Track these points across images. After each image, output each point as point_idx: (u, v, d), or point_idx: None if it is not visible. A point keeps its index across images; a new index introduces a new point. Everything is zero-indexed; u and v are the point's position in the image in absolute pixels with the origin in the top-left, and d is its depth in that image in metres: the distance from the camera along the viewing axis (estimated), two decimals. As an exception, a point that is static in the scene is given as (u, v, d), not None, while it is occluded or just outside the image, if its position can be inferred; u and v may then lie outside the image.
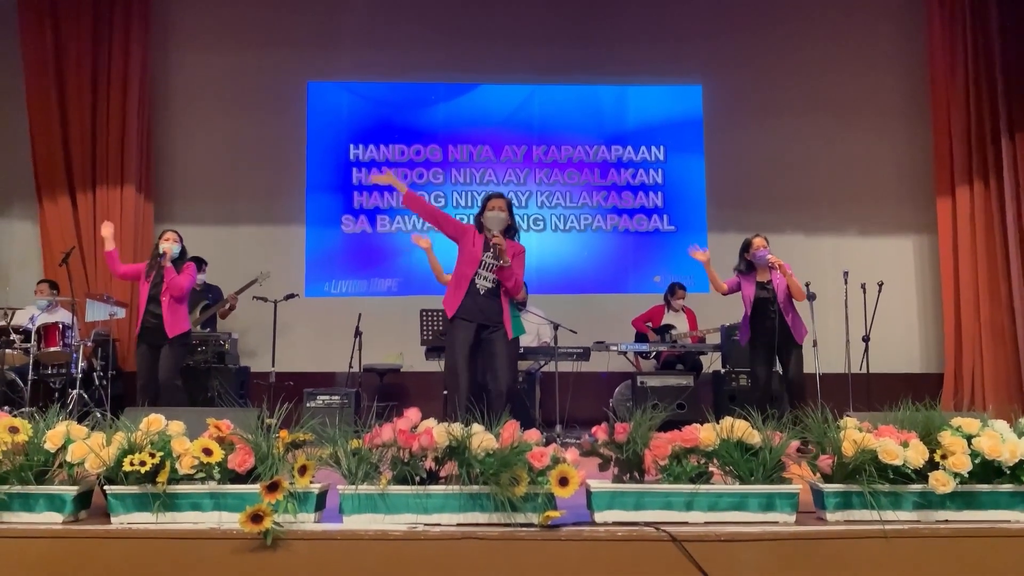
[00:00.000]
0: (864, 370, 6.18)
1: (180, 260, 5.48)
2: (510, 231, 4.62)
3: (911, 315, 8.06)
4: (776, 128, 8.17)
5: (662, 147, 8.44)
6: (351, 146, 8.33)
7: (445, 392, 4.87)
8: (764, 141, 8.17)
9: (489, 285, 4.51)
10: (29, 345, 6.01)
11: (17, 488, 2.35)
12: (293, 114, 8.22)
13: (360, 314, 7.03)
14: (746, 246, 5.45)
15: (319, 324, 7.75)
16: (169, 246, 5.41)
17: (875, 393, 5.47)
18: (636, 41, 8.27)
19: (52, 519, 2.35)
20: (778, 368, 5.40)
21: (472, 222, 4.74)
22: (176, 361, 5.41)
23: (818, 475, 2.46)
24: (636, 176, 8.40)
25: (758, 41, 8.23)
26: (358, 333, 6.93)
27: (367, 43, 8.20)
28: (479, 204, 4.84)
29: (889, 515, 2.31)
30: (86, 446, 2.36)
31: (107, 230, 5.51)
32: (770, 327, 5.24)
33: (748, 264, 5.42)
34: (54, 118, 7.54)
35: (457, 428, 2.36)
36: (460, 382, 4.36)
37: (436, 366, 6.58)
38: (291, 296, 7.09)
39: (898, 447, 2.33)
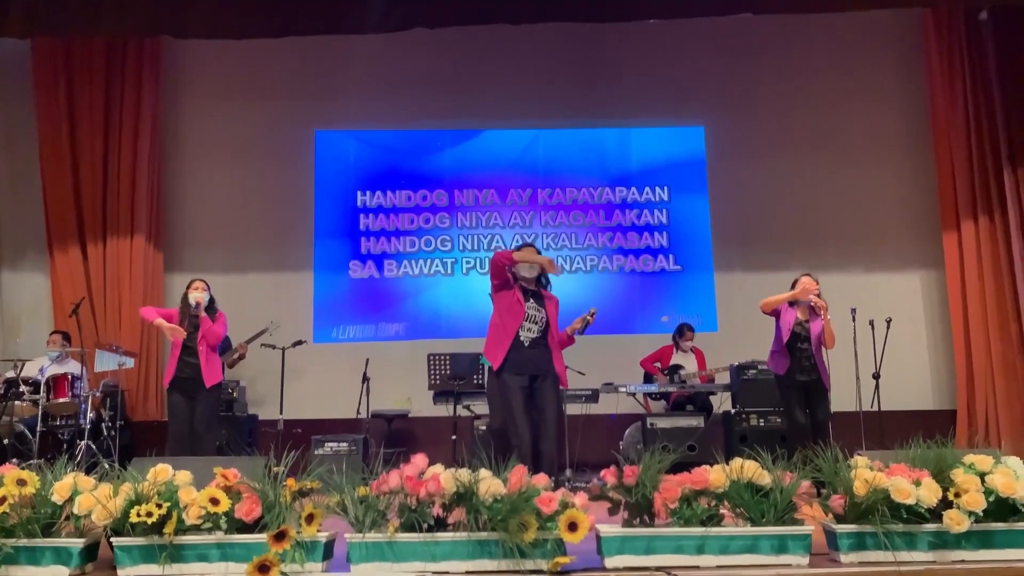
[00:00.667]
0: (876, 408, 6.13)
1: (211, 308, 5.49)
2: (541, 280, 4.67)
3: (921, 352, 8.00)
4: (779, 166, 8.23)
5: (666, 187, 8.50)
6: (358, 192, 8.41)
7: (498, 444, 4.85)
8: (767, 179, 8.22)
9: (534, 336, 4.55)
10: (38, 396, 6.02)
11: (24, 541, 2.34)
12: (301, 162, 8.33)
13: (368, 359, 7.04)
14: (794, 283, 5.41)
15: (327, 370, 7.75)
16: (200, 295, 5.43)
17: (888, 431, 5.41)
18: (638, 84, 8.38)
19: (58, 572, 2.33)
20: None
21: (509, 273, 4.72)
22: (215, 410, 5.47)
23: (830, 515, 2.43)
24: (641, 217, 8.45)
25: (758, 81, 8.34)
26: (366, 379, 6.92)
27: (373, 92, 8.34)
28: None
29: (904, 555, 2.28)
30: (93, 498, 2.36)
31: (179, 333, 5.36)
32: (805, 367, 5.19)
33: (794, 300, 5.37)
34: (66, 169, 7.65)
35: (464, 474, 2.35)
36: (524, 439, 4.33)
37: (444, 411, 6.55)
38: (299, 343, 7.10)
39: (910, 486, 2.31)
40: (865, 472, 2.38)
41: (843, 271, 7.99)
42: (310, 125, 8.37)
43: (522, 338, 4.51)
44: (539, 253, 4.74)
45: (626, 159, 8.56)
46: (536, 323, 4.54)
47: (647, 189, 8.49)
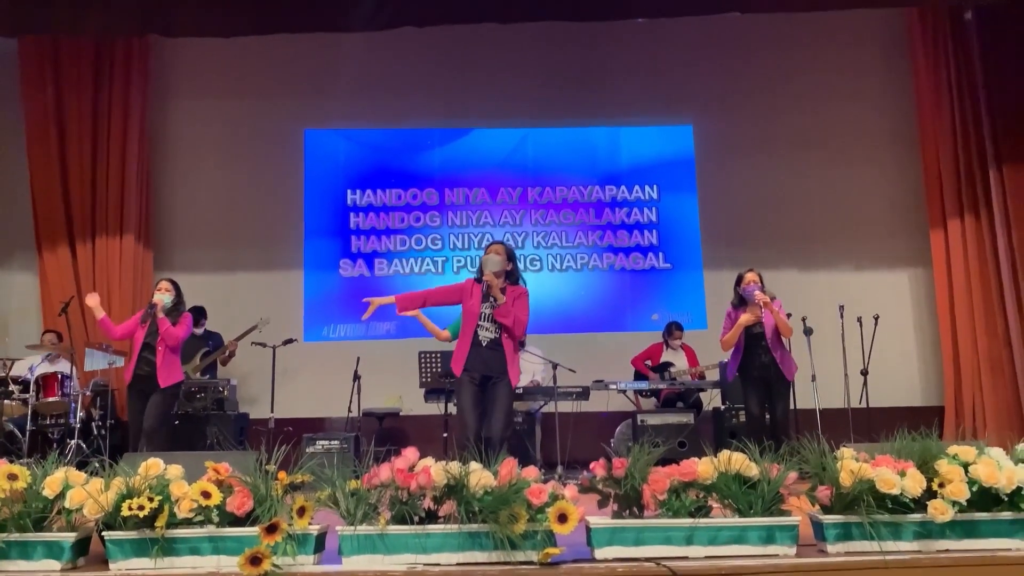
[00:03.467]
0: (864, 404, 6.18)
1: (175, 309, 5.47)
2: (511, 276, 4.68)
3: (909, 348, 8.07)
4: (767, 165, 8.28)
5: (656, 186, 8.54)
6: (348, 191, 8.42)
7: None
8: (756, 178, 8.27)
9: (491, 336, 4.56)
10: (27, 395, 6.00)
11: (15, 536, 2.34)
12: (291, 161, 8.32)
13: (359, 358, 7.04)
14: (738, 280, 5.49)
15: (318, 369, 7.75)
16: (161, 296, 5.41)
17: (876, 426, 5.46)
18: (627, 83, 8.42)
19: (50, 567, 2.33)
20: None
21: (474, 277, 4.78)
22: (164, 410, 5.41)
23: (817, 507, 2.46)
24: (631, 215, 8.49)
25: (746, 80, 8.39)
26: (357, 377, 6.92)
27: (362, 91, 8.34)
28: (475, 246, 4.91)
29: (889, 545, 2.31)
30: (84, 491, 2.36)
31: (92, 300, 5.49)
32: (762, 363, 5.26)
33: (740, 298, 5.45)
34: (54, 169, 7.62)
35: (455, 466, 2.37)
36: (468, 434, 4.40)
37: (435, 409, 6.57)
38: (290, 341, 7.10)
39: (895, 476, 2.34)
40: (851, 463, 2.41)
41: (832, 268, 8.06)
42: (300, 124, 8.37)
43: (480, 338, 4.55)
44: (506, 249, 4.74)
45: (616, 158, 8.60)
46: (493, 322, 4.57)
47: (637, 188, 8.53)
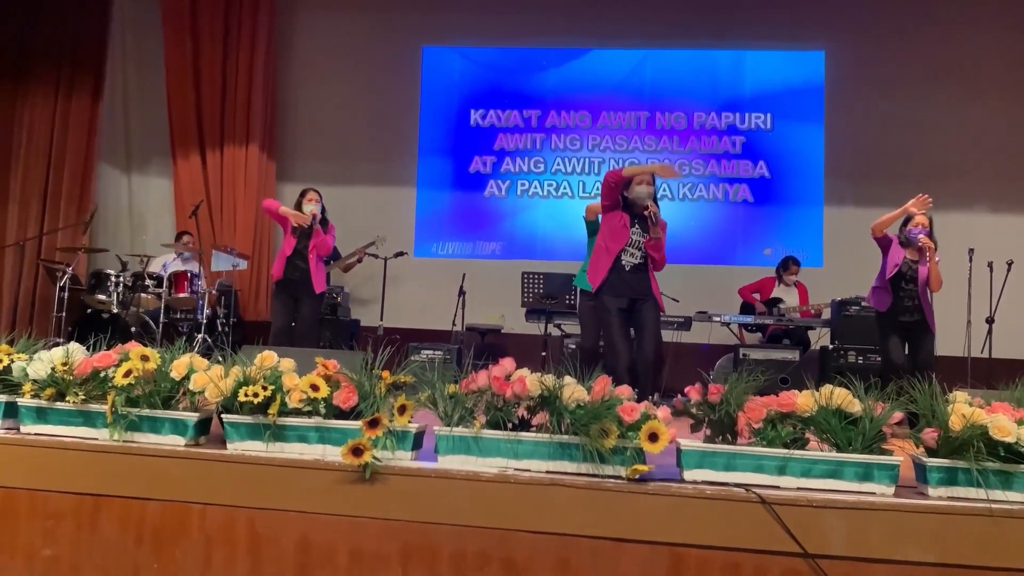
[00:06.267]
0: (986, 354, 5.84)
1: (322, 220, 5.65)
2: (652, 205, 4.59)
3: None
4: (902, 96, 7.72)
5: (779, 115, 8.13)
6: (471, 111, 8.43)
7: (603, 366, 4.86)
8: (888, 110, 7.74)
9: (636, 261, 4.50)
10: (161, 290, 6.46)
11: (146, 411, 2.56)
12: (408, 78, 8.39)
13: (464, 275, 7.18)
14: (907, 220, 5.13)
15: (426, 283, 7.96)
16: (315, 207, 5.58)
17: (997, 377, 5.16)
18: (756, 4, 7.96)
19: (176, 441, 2.55)
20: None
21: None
22: (318, 315, 5.77)
23: (921, 449, 2.37)
24: (749, 144, 8.15)
25: (886, 4, 7.77)
26: (462, 292, 7.08)
27: (480, 7, 8.25)
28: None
29: (997, 494, 2.21)
30: (206, 376, 2.55)
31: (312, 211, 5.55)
32: (907, 308, 4.97)
33: (905, 238, 5.11)
34: (188, 80, 8.01)
35: (550, 379, 2.41)
36: (621, 358, 4.36)
37: (536, 328, 6.66)
38: (400, 254, 7.31)
39: (1012, 424, 2.22)
40: (963, 407, 2.29)
41: (965, 210, 7.52)
42: (418, 40, 8.39)
43: (623, 262, 4.48)
44: (653, 177, 4.62)
45: (739, 84, 8.21)
46: (639, 248, 4.50)
47: (759, 116, 8.16)
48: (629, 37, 8.16)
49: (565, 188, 8.25)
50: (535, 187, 8.30)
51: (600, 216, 4.70)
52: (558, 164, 8.27)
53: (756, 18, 7.97)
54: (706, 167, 8.16)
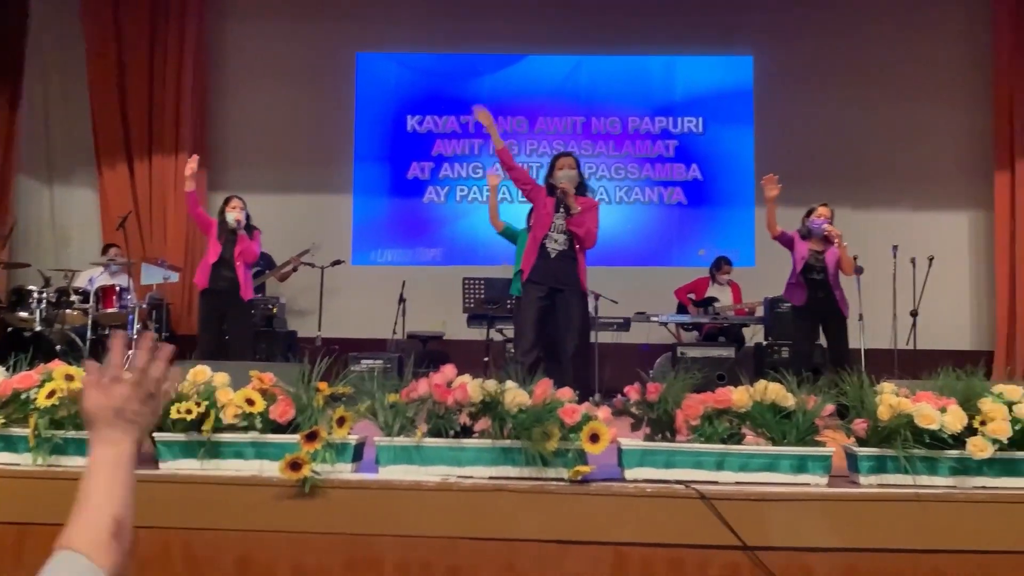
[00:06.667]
0: (911, 345, 6.06)
1: (248, 226, 5.62)
2: (579, 188, 4.61)
3: (962, 291, 7.85)
4: (829, 99, 7.97)
5: (710, 119, 8.31)
6: (408, 116, 8.37)
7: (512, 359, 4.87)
8: (816, 112, 7.99)
9: (560, 247, 4.48)
10: (87, 306, 6.24)
11: (72, 433, 2.46)
12: (342, 85, 8.31)
13: (404, 282, 7.13)
14: (808, 212, 5.38)
15: (365, 291, 7.88)
16: (239, 214, 5.53)
17: (922, 367, 5.37)
18: (686, 11, 8.13)
19: (105, 462, 2.45)
20: (821, 341, 5.33)
21: (543, 183, 4.70)
22: (250, 325, 5.68)
23: (852, 439, 2.44)
24: (682, 148, 8.30)
25: (812, 10, 8.02)
26: (402, 300, 7.03)
27: (415, 15, 8.22)
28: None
29: (924, 480, 2.29)
30: (137, 394, 2.46)
31: (191, 167, 5.49)
32: (818, 298, 5.18)
33: (808, 230, 5.34)
34: (113, 87, 7.77)
35: (491, 384, 2.40)
36: (526, 347, 4.37)
37: (478, 334, 6.65)
38: (338, 262, 7.22)
39: (935, 412, 2.30)
40: (891, 398, 2.37)
41: (889, 208, 7.81)
42: (352, 47, 8.31)
43: (548, 248, 4.47)
44: (575, 161, 4.66)
45: (671, 89, 8.37)
46: (563, 233, 4.50)
47: (691, 120, 8.32)
48: (564, 43, 8.23)
49: (504, 193, 8.24)
50: (474, 192, 8.30)
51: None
52: (496, 169, 8.26)
53: (686, 24, 8.14)
54: (641, 171, 8.28)
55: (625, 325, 6.46)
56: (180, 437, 2.43)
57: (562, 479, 2.29)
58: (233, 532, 2.32)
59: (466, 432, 2.42)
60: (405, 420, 2.42)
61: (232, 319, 5.47)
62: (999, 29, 7.61)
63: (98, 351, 6.40)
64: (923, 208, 7.89)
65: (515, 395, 2.37)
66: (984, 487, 2.30)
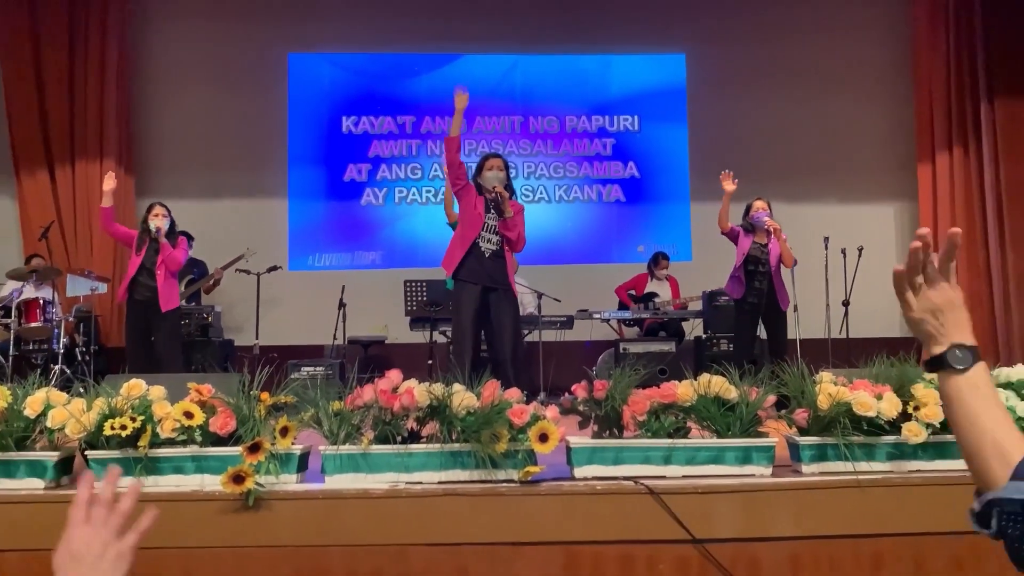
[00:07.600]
0: (844, 335, 6.25)
1: (171, 233, 5.42)
2: (507, 190, 4.61)
3: (891, 281, 8.11)
4: (759, 96, 8.17)
5: (646, 117, 8.42)
6: (343, 118, 8.24)
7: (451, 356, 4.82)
8: (747, 109, 8.17)
9: (493, 247, 4.49)
10: (9, 321, 5.97)
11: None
12: (274, 86, 8.14)
13: (344, 286, 7.02)
14: (747, 208, 5.51)
15: (303, 297, 7.74)
16: (161, 221, 5.36)
17: (856, 355, 5.54)
18: (620, 10, 8.21)
19: (34, 485, 2.35)
20: (760, 333, 5.46)
21: (471, 181, 4.66)
22: (175, 334, 5.46)
23: (794, 429, 2.50)
24: (619, 146, 8.39)
25: (741, 10, 8.20)
26: (342, 305, 6.92)
27: (347, 14, 8.11)
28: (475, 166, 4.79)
29: (863, 466, 2.35)
30: (66, 411, 2.36)
31: (109, 183, 5.36)
32: (757, 290, 5.31)
33: (750, 225, 5.48)
34: (30, 90, 7.44)
35: (438, 388, 2.37)
36: (466, 345, 4.36)
37: (421, 337, 6.60)
38: (274, 268, 7.07)
39: (872, 399, 2.37)
40: (829, 387, 2.43)
41: (818, 201, 8.04)
42: (283, 48, 8.15)
43: (482, 248, 4.47)
44: (504, 162, 4.66)
45: (606, 87, 8.45)
46: (495, 233, 4.50)
47: (626, 118, 8.42)
48: (499, 42, 8.23)
49: (426, 196, 8.22)
50: (413, 194, 8.24)
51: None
52: (435, 170, 8.23)
53: (620, 23, 8.23)
54: (579, 169, 8.34)
55: (568, 323, 6.49)
56: (115, 454, 2.33)
57: (512, 480, 2.28)
58: (175, 550, 2.24)
59: (414, 437, 2.39)
60: (351, 428, 2.38)
61: (156, 330, 5.28)
62: (918, 29, 7.91)
63: (22, 367, 6.13)
64: (851, 201, 8.14)
65: (463, 398, 2.35)
66: (919, 471, 2.37)
